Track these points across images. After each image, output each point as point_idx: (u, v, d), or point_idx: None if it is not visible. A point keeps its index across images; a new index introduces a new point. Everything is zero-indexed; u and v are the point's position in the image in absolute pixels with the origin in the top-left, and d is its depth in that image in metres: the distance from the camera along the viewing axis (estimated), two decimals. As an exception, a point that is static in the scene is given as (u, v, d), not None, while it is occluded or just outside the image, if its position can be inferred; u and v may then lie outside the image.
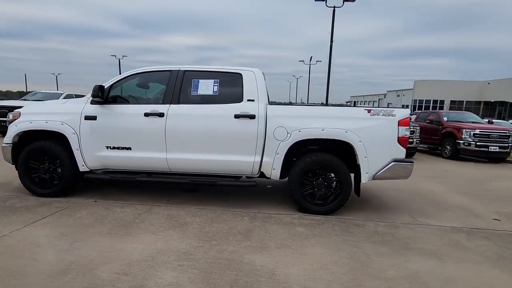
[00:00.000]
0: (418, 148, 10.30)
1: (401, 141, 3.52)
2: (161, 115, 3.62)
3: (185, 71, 3.80)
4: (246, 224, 3.23)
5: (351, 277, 2.26)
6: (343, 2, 13.55)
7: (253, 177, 3.77)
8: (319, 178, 3.60)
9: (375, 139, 3.51)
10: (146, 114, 3.64)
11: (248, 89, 3.67)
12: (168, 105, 3.67)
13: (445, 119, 10.77)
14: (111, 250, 2.52)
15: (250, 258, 2.49)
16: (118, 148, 3.73)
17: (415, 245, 2.91)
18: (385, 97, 47.70)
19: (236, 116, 3.56)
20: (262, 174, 3.74)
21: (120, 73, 3.94)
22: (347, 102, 61.48)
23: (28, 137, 3.85)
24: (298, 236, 2.98)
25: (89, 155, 3.74)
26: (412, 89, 37.64)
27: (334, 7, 13.69)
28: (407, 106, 37.34)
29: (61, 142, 3.75)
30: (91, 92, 3.62)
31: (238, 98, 3.66)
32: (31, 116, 3.82)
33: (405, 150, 3.57)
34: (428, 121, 11.22)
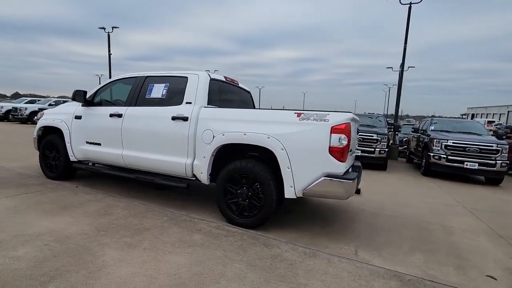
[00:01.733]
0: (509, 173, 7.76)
1: (333, 151, 2.87)
2: (120, 116, 4.08)
3: (147, 76, 4.16)
4: (156, 223, 3.27)
5: (163, 292, 2.04)
6: (422, -4, 11.54)
7: (189, 180, 3.74)
8: (244, 187, 3.30)
9: (301, 148, 2.98)
10: (111, 115, 4.15)
11: (188, 92, 3.72)
12: (127, 107, 4.10)
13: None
14: (23, 223, 3.03)
15: (106, 252, 2.55)
16: (92, 143, 4.38)
17: (302, 280, 2.33)
18: (516, 109, 36.84)
19: (173, 118, 3.66)
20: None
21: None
22: (462, 115, 50.44)
23: (46, 132, 4.96)
24: (182, 242, 2.83)
25: (75, 147, 4.53)
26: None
27: (410, 3, 11.82)
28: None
29: (61, 136, 4.68)
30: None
31: (180, 101, 3.75)
32: (47, 115, 4.93)
33: (341, 163, 2.89)
34: (533, 138, 8.31)
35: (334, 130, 2.87)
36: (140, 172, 4.06)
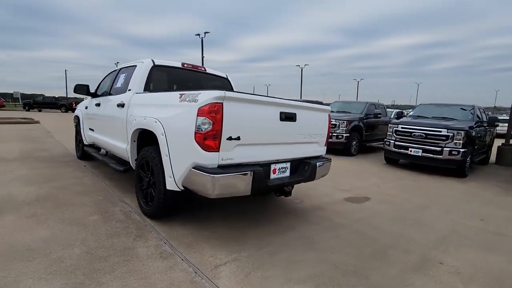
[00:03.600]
0: None
1: (197, 137, 2.36)
2: (99, 105, 4.58)
3: (120, 68, 4.50)
4: (84, 201, 3.50)
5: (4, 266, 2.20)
6: None
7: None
8: (148, 174, 3.13)
9: (177, 133, 2.60)
10: (96, 104, 4.72)
11: (132, 80, 3.80)
12: (104, 97, 4.55)
13: None
14: (1, 188, 3.83)
15: (5, 218, 2.91)
16: (91, 129, 5.09)
17: (107, 278, 2.05)
18: None
19: (118, 105, 3.83)
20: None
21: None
22: None
23: (77, 120, 6.07)
24: (73, 220, 2.94)
25: (85, 133, 5.37)
26: None
27: None
28: None
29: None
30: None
31: (126, 89, 3.88)
32: (78, 107, 6.01)
33: (206, 152, 2.34)
34: None
35: (199, 112, 2.36)
36: (109, 155, 4.45)
